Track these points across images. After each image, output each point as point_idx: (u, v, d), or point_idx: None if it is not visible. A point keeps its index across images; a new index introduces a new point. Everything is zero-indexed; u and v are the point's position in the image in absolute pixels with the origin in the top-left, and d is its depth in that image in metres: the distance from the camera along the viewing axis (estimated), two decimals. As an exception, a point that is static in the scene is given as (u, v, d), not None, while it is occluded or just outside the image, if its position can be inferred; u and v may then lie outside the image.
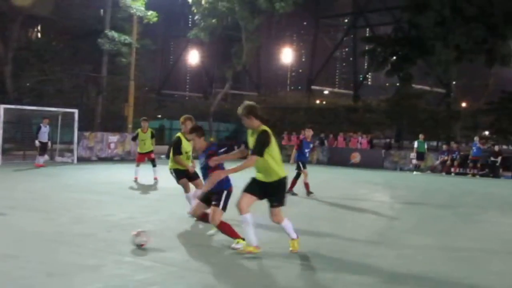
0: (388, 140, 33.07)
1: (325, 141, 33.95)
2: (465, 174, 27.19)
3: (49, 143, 22.53)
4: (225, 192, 7.96)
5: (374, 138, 35.23)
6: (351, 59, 77.19)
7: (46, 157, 22.71)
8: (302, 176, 15.24)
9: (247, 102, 7.45)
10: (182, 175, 10.56)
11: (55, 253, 7.07)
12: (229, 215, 8.18)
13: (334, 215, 12.02)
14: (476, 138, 27.89)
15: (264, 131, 7.19)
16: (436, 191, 18.80)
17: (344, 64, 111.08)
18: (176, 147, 10.47)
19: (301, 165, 15.16)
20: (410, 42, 34.24)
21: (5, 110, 23.09)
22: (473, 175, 26.77)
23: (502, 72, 40.72)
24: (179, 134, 10.83)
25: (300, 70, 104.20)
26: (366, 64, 53.67)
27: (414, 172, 27.44)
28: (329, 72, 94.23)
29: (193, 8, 37.94)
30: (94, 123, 33.15)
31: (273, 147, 7.25)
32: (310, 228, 9.88)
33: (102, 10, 36.38)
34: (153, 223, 9.69)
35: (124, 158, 28.21)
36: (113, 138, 28.49)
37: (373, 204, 14.17)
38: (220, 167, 8.06)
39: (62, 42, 40.61)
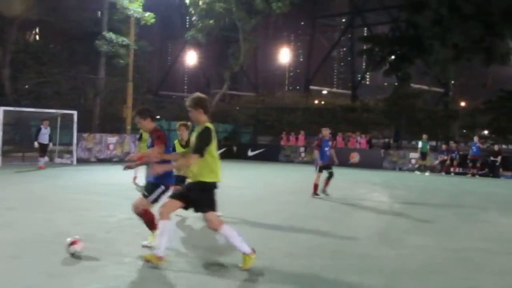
0: (386, 140, 33.02)
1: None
2: (464, 174, 27.19)
3: (50, 145, 22.56)
4: (161, 187, 7.48)
5: (372, 138, 35.23)
6: (348, 58, 77.34)
7: (46, 158, 22.69)
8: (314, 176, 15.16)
9: (197, 94, 6.93)
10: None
11: (55, 254, 7.05)
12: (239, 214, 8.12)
13: (334, 215, 12.01)
14: (475, 138, 27.86)
15: (207, 128, 6.65)
16: (435, 191, 18.80)
17: (341, 64, 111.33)
18: None
19: (318, 167, 14.99)
20: (407, 41, 34.23)
21: (4, 112, 23.08)
22: (473, 175, 26.77)
23: (500, 70, 40.78)
24: (175, 141, 10.81)
25: (298, 70, 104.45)
26: (363, 64, 53.72)
27: (425, 173, 27.17)
28: (326, 72, 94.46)
29: (190, 9, 37.93)
30: (93, 124, 33.11)
31: (213, 146, 6.68)
32: (309, 228, 9.90)
33: (99, 12, 36.40)
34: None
35: (123, 159, 28.16)
36: (112, 139, 28.47)
37: (372, 204, 14.18)
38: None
39: (60, 44, 40.67)
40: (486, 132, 42.72)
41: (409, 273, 6.94)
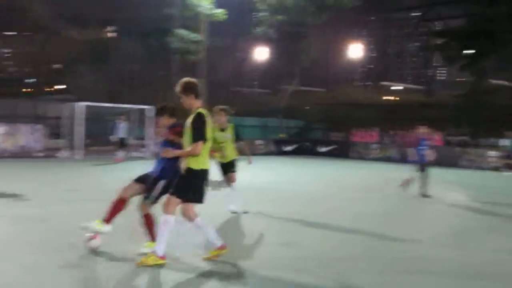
0: (463, 138, 32.00)
1: (397, 138, 33.32)
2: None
3: (127, 139, 23.29)
4: (162, 182, 6.94)
5: (448, 135, 34.28)
6: (422, 54, 75.51)
7: (123, 152, 23.31)
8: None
9: (185, 79, 6.59)
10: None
11: (120, 244, 7.23)
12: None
13: (404, 213, 11.81)
14: None
15: (199, 114, 6.40)
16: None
17: (414, 59, 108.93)
18: None
19: (419, 166, 14.55)
20: (482, 35, 33.10)
21: (86, 107, 24.07)
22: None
23: None
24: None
25: (370, 66, 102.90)
26: (438, 59, 52.36)
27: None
28: (399, 67, 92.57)
29: (261, 4, 38.02)
30: (166, 119, 33.71)
31: (207, 133, 6.44)
32: (374, 227, 9.75)
33: (171, 9, 37.07)
34: (221, 217, 9.86)
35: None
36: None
37: (448, 203, 13.79)
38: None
39: (135, 41, 41.67)
40: None
41: (494, 275, 6.74)
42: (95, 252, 6.87)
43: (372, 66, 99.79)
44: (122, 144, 22.86)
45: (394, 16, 77.02)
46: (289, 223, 9.55)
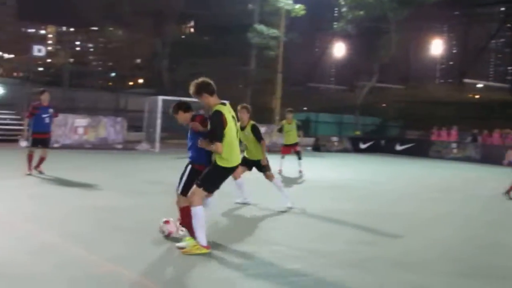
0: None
1: (478, 138, 32.25)
2: None
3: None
4: (188, 168, 7.13)
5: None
6: (507, 50, 72.70)
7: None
8: None
9: (194, 81, 6.64)
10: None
11: (213, 238, 7.30)
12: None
13: (491, 216, 11.39)
14: None
15: (216, 112, 6.42)
16: None
17: (499, 55, 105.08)
18: None
19: None
20: None
21: (163, 101, 24.55)
22: None
23: None
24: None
25: (451, 62, 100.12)
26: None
27: None
28: (482, 64, 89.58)
29: (342, 0, 37.69)
30: (242, 114, 33.97)
31: (227, 132, 6.41)
32: (453, 228, 9.46)
33: (251, 5, 37.29)
34: (301, 214, 9.77)
35: (270, 149, 28.70)
36: (261, 129, 29.10)
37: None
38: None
39: (213, 36, 42.23)
40: None
41: None
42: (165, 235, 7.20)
43: (452, 63, 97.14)
44: None
45: (477, 11, 74.47)
46: (366, 222, 9.42)
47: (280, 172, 16.61)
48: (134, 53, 43.31)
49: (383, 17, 37.59)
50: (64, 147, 22.49)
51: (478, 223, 10.26)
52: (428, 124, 37.45)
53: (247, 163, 10.63)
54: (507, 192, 13.77)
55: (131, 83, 58.75)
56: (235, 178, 10.12)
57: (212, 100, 6.60)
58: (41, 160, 13.16)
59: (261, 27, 33.09)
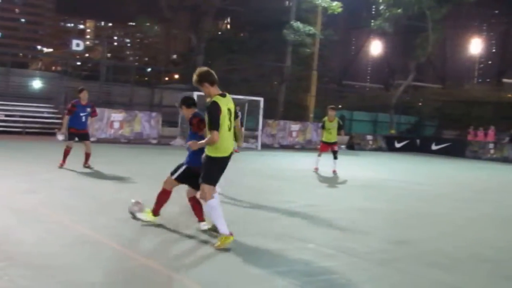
0: None
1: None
2: None
3: (242, 129, 23.68)
4: (183, 167, 7.44)
5: None
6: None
7: (234, 143, 23.59)
8: None
9: (196, 70, 6.84)
10: None
11: (244, 234, 7.35)
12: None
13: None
14: None
15: (213, 102, 6.58)
16: None
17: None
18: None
19: None
20: None
21: (198, 97, 24.61)
22: None
23: None
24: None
25: (489, 62, 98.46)
26: None
27: None
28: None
29: (379, -3, 37.39)
30: (277, 111, 34.08)
31: (221, 121, 6.56)
32: (494, 231, 9.32)
33: (288, 2, 37.24)
34: (334, 212, 9.73)
35: (304, 147, 28.78)
36: (295, 126, 29.15)
37: None
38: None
39: (248, 33, 42.30)
40: None
41: None
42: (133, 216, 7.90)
43: (490, 62, 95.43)
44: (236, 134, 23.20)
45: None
46: (399, 221, 9.35)
47: (316, 170, 16.52)
48: (170, 48, 43.60)
49: (421, 15, 37.13)
50: (100, 141, 22.82)
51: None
52: (465, 124, 36.91)
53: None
54: None
55: (166, 79, 59.23)
56: None
57: (212, 90, 6.75)
58: (87, 156, 13.34)
59: (297, 24, 33.00)
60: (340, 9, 33.22)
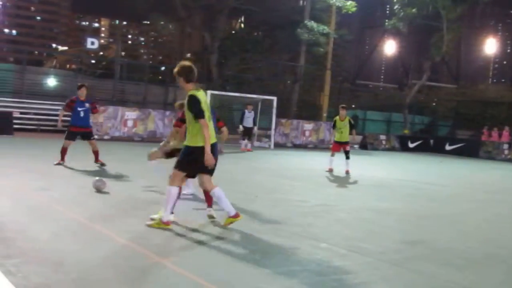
0: None
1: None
2: None
3: (255, 128, 23.70)
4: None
5: None
6: None
7: (247, 141, 23.55)
8: None
9: (181, 62, 7.19)
10: None
11: (257, 233, 7.37)
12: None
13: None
14: None
15: (191, 96, 6.97)
16: None
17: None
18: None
19: None
20: None
21: (212, 96, 24.74)
22: None
23: None
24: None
25: (504, 62, 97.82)
26: None
27: None
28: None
29: (393, -3, 37.24)
30: (290, 110, 34.06)
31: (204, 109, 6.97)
32: (508, 231, 9.26)
33: (302, 1, 37.19)
34: (346, 212, 9.72)
35: (317, 146, 28.75)
36: (308, 126, 29.11)
37: None
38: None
39: (262, 32, 42.28)
40: None
41: None
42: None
43: (505, 62, 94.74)
44: (248, 133, 23.22)
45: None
46: (413, 222, 9.32)
47: (330, 171, 16.39)
48: (184, 47, 43.69)
49: (435, 15, 36.95)
50: (114, 139, 22.92)
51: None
52: (479, 124, 36.71)
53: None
54: None
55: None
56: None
57: (187, 87, 7.08)
58: (95, 154, 13.36)
59: (311, 24, 32.94)
60: (354, 9, 33.13)
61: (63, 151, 13.15)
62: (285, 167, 17.68)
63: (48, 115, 25.34)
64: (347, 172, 16.16)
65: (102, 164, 13.25)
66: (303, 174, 15.84)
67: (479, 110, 41.60)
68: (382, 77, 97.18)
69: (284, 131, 28.22)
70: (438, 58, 39.51)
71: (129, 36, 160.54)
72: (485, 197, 13.85)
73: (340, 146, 16.54)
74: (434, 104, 47.59)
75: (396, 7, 37.33)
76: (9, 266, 5.13)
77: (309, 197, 11.10)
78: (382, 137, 32.86)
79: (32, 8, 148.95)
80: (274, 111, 26.40)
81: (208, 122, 7.06)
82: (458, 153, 31.40)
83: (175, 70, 7.09)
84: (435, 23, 38.49)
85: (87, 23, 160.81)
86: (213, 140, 7.16)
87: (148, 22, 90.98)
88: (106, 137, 22.86)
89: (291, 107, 34.65)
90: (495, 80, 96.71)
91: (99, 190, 9.49)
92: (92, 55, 62.35)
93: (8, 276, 4.84)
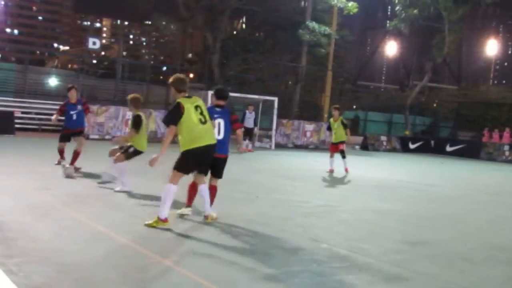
0: None
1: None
2: None
3: (255, 129, 23.67)
4: None
5: None
6: None
7: (247, 142, 23.51)
8: None
9: (175, 75, 7.70)
10: None
11: (258, 233, 7.38)
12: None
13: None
14: None
15: (176, 103, 7.38)
16: None
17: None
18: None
19: None
20: None
21: (213, 96, 24.68)
22: None
23: None
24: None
25: (505, 63, 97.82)
26: None
27: None
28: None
29: (394, -2, 37.25)
30: (291, 111, 34.07)
31: (185, 120, 7.28)
32: (509, 233, 9.26)
33: (304, 2, 37.22)
34: (347, 213, 9.72)
35: (318, 147, 28.75)
36: (309, 126, 29.11)
37: None
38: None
39: (264, 33, 42.32)
40: None
41: None
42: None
43: (507, 64, 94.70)
44: (248, 133, 23.20)
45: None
46: (414, 223, 9.32)
47: (331, 172, 16.37)
48: (186, 47, 43.78)
49: (437, 16, 36.96)
50: (115, 139, 22.90)
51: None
52: (480, 125, 36.70)
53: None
54: None
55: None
56: (115, 162, 10.24)
57: (177, 95, 7.52)
58: (76, 154, 12.42)
59: (313, 24, 32.95)
60: (356, 10, 33.12)
61: (60, 152, 13.06)
62: (286, 167, 17.69)
63: (49, 115, 25.24)
64: (346, 170, 16.30)
65: (77, 169, 12.17)
66: (304, 174, 15.85)
67: (480, 112, 41.59)
68: (383, 78, 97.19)
69: (285, 132, 28.23)
70: (439, 59, 39.53)
71: (131, 36, 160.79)
72: (485, 198, 13.85)
73: (336, 147, 16.58)
74: (435, 105, 47.62)
75: (397, 8, 37.35)
76: (10, 265, 5.15)
77: (310, 198, 11.11)
78: (383, 138, 32.86)
79: (34, 8, 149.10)
80: (275, 111, 26.41)
81: (202, 124, 7.39)
82: (459, 154, 31.40)
83: (169, 81, 7.63)
84: (437, 24, 38.51)
85: (89, 23, 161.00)
86: (213, 141, 7.54)
87: (150, 22, 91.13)
88: (107, 137, 22.87)
89: (292, 107, 34.66)
90: (496, 82, 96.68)
91: (69, 177, 10.82)
92: (94, 55, 62.45)
93: (10, 275, 4.85)
